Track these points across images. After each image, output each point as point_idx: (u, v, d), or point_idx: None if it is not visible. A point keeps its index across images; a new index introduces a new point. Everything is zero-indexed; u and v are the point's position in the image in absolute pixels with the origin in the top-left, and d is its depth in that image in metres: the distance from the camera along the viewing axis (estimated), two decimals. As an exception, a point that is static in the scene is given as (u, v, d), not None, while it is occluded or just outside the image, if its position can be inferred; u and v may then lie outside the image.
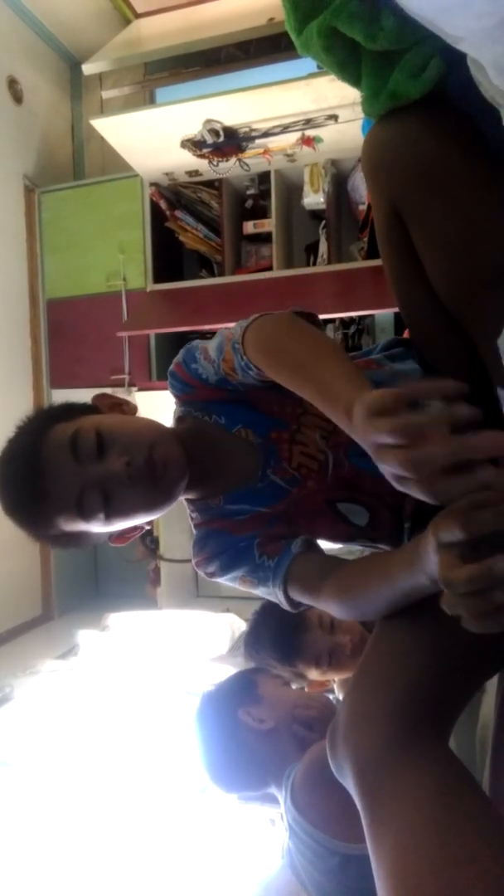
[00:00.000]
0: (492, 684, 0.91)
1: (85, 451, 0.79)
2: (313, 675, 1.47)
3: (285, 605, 0.86)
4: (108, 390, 3.08)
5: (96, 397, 0.92)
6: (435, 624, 0.70)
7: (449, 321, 0.82)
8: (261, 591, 0.88)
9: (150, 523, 0.92)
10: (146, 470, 0.79)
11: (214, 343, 0.87)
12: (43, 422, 0.84)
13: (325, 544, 0.92)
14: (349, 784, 0.62)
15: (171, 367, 0.92)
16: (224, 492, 0.90)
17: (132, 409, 0.92)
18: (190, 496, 0.92)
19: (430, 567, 0.59)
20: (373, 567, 0.73)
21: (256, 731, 1.28)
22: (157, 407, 2.77)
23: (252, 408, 0.89)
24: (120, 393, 2.94)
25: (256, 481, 0.88)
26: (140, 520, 0.86)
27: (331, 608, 0.79)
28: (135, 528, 0.91)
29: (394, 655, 0.69)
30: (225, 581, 0.91)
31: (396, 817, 0.55)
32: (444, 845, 0.51)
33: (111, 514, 0.80)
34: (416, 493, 0.55)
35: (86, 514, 0.79)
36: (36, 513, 0.82)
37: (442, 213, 0.74)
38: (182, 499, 0.92)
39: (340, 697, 1.36)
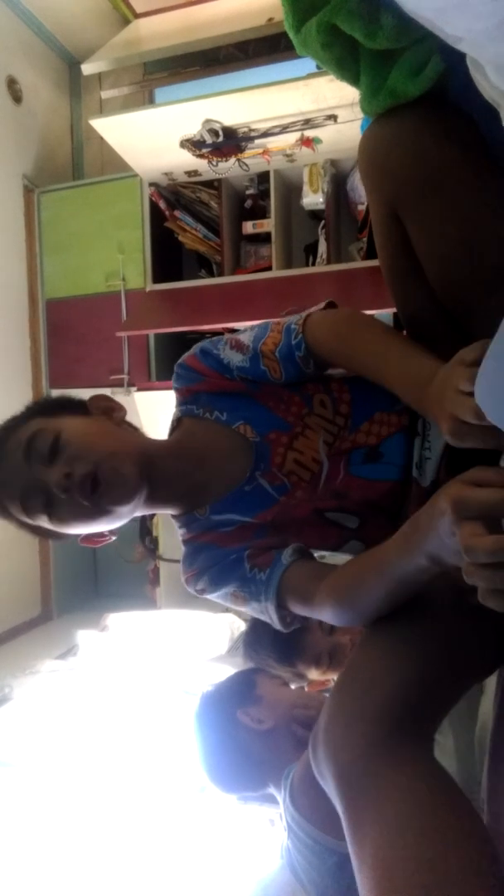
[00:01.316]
0: (490, 684, 0.91)
1: (37, 453, 0.80)
2: (313, 675, 1.47)
3: (277, 624, 0.84)
4: (108, 391, 3.10)
5: (91, 398, 0.92)
6: (421, 630, 0.70)
7: (447, 321, 0.82)
8: (252, 608, 0.86)
9: (147, 529, 0.92)
10: (81, 485, 0.78)
11: (250, 333, 0.89)
12: (28, 413, 0.88)
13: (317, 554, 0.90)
14: (329, 787, 0.62)
15: (181, 360, 0.92)
16: (210, 501, 0.88)
17: (121, 412, 0.92)
18: (174, 512, 0.91)
19: (432, 542, 0.57)
20: (366, 560, 0.72)
21: (255, 731, 1.28)
22: (157, 406, 2.79)
23: (258, 404, 0.88)
24: (119, 393, 2.95)
25: (244, 484, 0.87)
26: (84, 531, 0.86)
27: (327, 614, 0.77)
28: (101, 534, 0.91)
29: (378, 660, 0.68)
30: (215, 598, 0.89)
31: (377, 819, 0.55)
32: (424, 843, 0.51)
33: (53, 518, 0.81)
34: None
35: (29, 513, 0.82)
36: None
37: (440, 214, 0.74)
38: (168, 514, 0.92)
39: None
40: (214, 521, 0.89)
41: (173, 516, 0.93)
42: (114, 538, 0.93)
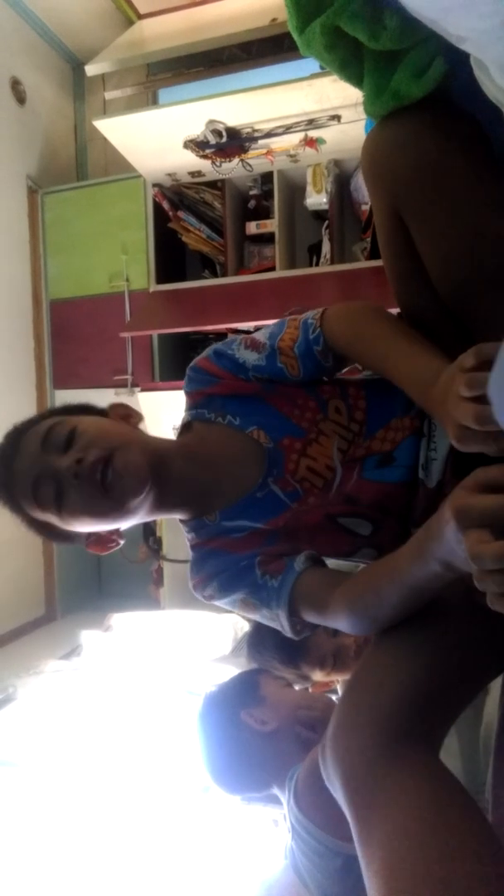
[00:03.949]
0: (495, 685, 0.91)
1: (53, 442, 0.80)
2: (318, 676, 1.47)
3: (287, 631, 0.83)
4: (111, 391, 3.10)
5: (111, 405, 0.92)
6: (429, 634, 0.70)
7: (450, 321, 0.81)
8: (262, 615, 0.85)
9: (120, 535, 0.91)
10: (92, 470, 0.77)
11: (265, 331, 0.88)
12: (48, 412, 0.88)
13: (328, 562, 0.89)
14: (337, 793, 0.62)
15: (193, 363, 0.91)
16: (221, 507, 0.87)
17: (137, 418, 0.92)
18: (183, 516, 0.90)
19: (443, 550, 0.57)
20: (380, 567, 0.71)
21: (259, 732, 1.28)
22: (161, 407, 2.79)
23: (271, 408, 0.87)
24: (123, 394, 2.95)
25: (256, 490, 0.86)
26: (93, 525, 0.84)
27: (341, 622, 0.76)
28: (111, 540, 0.90)
29: (385, 666, 0.68)
30: (223, 604, 0.88)
31: (383, 822, 0.55)
32: (429, 845, 0.51)
33: (63, 510, 0.80)
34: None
35: (40, 503, 0.81)
36: (7, 494, 0.84)
37: (445, 214, 0.74)
38: (177, 520, 0.91)
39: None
40: (225, 527, 0.87)
41: (181, 521, 0.91)
42: (121, 542, 0.92)
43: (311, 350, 0.83)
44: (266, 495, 0.86)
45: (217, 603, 0.89)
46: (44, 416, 0.87)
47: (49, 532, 0.87)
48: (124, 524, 0.86)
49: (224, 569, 0.86)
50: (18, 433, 0.85)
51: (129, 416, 0.92)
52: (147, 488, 0.81)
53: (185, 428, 0.92)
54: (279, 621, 0.82)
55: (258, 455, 0.86)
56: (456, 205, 0.73)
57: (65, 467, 0.78)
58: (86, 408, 0.91)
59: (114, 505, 0.80)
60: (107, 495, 0.79)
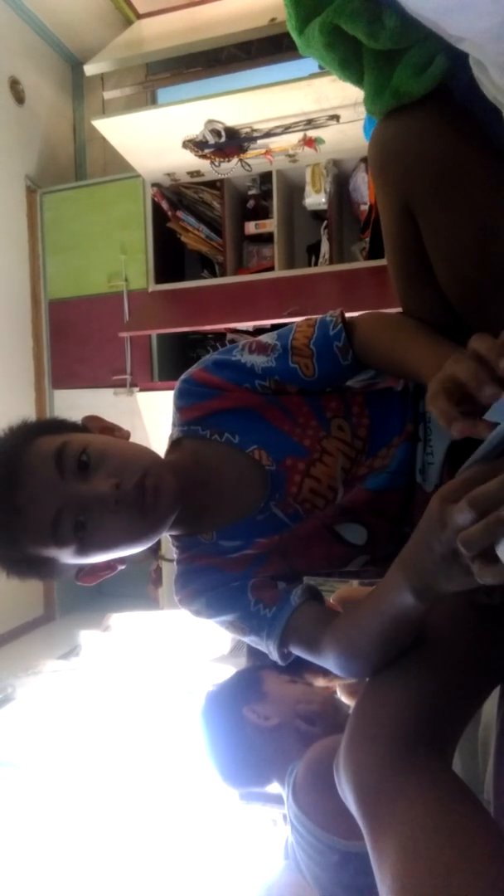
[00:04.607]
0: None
1: (71, 466, 0.73)
2: (320, 683, 1.47)
3: (276, 658, 0.81)
4: (110, 391, 3.08)
5: (87, 418, 0.86)
6: (434, 646, 0.70)
7: (454, 323, 0.81)
8: (249, 639, 0.83)
9: (122, 561, 0.84)
10: (135, 496, 0.73)
11: (271, 335, 0.85)
12: (27, 433, 0.78)
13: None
14: (351, 806, 0.62)
15: (189, 375, 0.87)
16: (218, 527, 0.84)
17: (124, 434, 0.86)
18: (176, 532, 0.87)
19: (418, 572, 0.58)
20: (366, 598, 0.69)
21: (261, 728, 1.28)
22: (159, 407, 2.79)
23: (271, 426, 0.84)
24: (121, 393, 2.95)
25: (257, 513, 0.83)
26: (117, 552, 0.78)
27: (330, 661, 0.74)
28: (108, 567, 0.84)
29: (393, 679, 0.68)
30: (211, 621, 0.86)
31: (393, 834, 0.55)
32: (436, 855, 0.51)
33: (87, 541, 0.73)
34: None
35: (59, 537, 0.72)
36: (2, 528, 0.74)
37: (456, 207, 0.73)
38: (166, 534, 0.86)
39: (344, 699, 1.36)
40: (222, 547, 0.85)
41: (172, 536, 0.88)
42: (121, 567, 0.86)
43: (331, 346, 0.81)
44: (266, 517, 0.84)
45: (204, 619, 0.86)
46: (22, 439, 0.77)
47: (38, 570, 0.78)
48: (148, 545, 0.82)
49: (214, 586, 0.84)
50: (9, 462, 0.73)
51: (110, 428, 0.85)
52: (178, 505, 0.79)
53: (175, 444, 0.88)
54: (268, 649, 0.81)
55: (260, 477, 0.82)
56: (470, 198, 0.72)
57: (103, 494, 0.72)
58: (61, 423, 0.84)
59: (150, 526, 0.77)
60: (144, 518, 0.75)
